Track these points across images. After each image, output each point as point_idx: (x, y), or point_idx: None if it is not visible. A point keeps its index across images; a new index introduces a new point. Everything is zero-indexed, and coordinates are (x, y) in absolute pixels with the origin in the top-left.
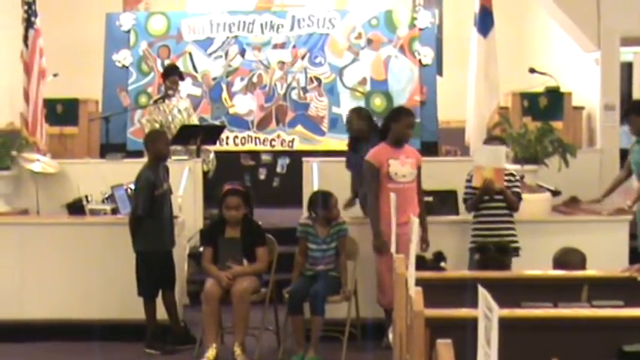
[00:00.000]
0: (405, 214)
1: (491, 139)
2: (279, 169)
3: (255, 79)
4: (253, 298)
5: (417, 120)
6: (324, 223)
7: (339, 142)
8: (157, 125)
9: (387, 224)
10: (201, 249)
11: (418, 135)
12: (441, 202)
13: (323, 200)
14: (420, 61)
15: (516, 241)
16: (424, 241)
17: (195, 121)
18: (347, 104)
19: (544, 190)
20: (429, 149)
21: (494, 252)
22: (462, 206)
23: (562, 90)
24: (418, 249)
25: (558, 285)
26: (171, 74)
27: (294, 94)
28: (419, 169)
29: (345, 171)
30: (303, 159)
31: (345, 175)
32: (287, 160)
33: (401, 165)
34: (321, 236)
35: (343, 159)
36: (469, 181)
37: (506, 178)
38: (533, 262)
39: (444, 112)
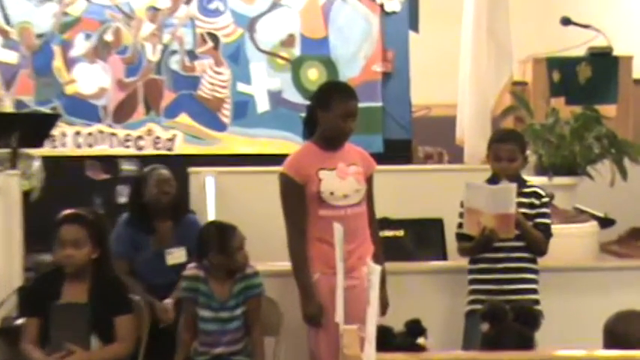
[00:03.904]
0: (355, 258)
1: (501, 138)
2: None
3: (109, 37)
4: None
5: (378, 104)
6: (223, 276)
7: (251, 141)
8: None
9: (325, 276)
10: (19, 321)
11: (379, 129)
12: (417, 239)
13: (220, 239)
14: (381, 6)
15: (538, 301)
16: (382, 301)
17: (8, 108)
18: (262, 78)
19: (587, 218)
20: (398, 151)
21: (512, 319)
22: (452, 244)
23: (616, 53)
24: (379, 315)
25: None
26: None
27: (174, 63)
28: (369, 181)
29: (264, 191)
30: (190, 169)
31: (264, 195)
32: (164, 172)
33: (340, 178)
34: (220, 297)
35: (260, 169)
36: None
37: (525, 199)
38: (568, 334)
39: (421, 92)
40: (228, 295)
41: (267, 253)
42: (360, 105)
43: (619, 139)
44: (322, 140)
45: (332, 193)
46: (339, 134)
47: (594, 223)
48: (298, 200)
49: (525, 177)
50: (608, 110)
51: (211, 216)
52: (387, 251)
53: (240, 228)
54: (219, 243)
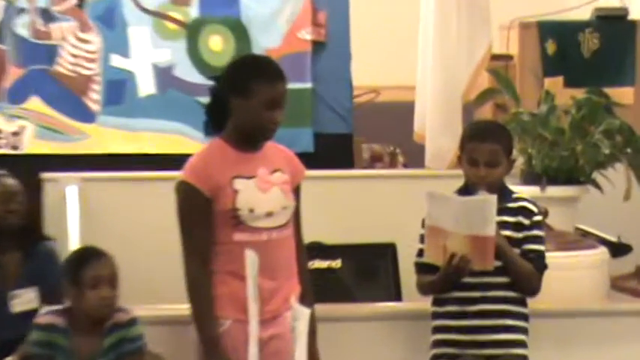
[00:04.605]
0: (279, 299)
1: (477, 134)
2: None
3: None
4: None
5: (306, 85)
6: (89, 326)
7: (130, 135)
8: None
9: (239, 324)
10: None
11: (307, 120)
12: (361, 272)
13: (78, 269)
14: None
15: (526, 357)
16: (312, 356)
17: None
18: (146, 49)
19: (593, 244)
20: (334, 151)
21: None
22: (409, 279)
23: (632, 17)
24: None
25: None
26: None
27: (21, 26)
28: (296, 193)
29: (150, 206)
30: (44, 175)
31: (150, 211)
32: (9, 181)
33: (261, 189)
34: (86, 355)
35: (144, 175)
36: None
37: (510, 218)
38: None
39: (366, 69)
40: (97, 352)
41: (154, 291)
42: None
43: (637, 136)
44: (237, 137)
45: (252, 211)
46: (262, 129)
47: (603, 250)
48: (203, 219)
49: (511, 187)
50: (622, 94)
51: (74, 241)
52: (318, 289)
53: (116, 256)
54: (75, 276)
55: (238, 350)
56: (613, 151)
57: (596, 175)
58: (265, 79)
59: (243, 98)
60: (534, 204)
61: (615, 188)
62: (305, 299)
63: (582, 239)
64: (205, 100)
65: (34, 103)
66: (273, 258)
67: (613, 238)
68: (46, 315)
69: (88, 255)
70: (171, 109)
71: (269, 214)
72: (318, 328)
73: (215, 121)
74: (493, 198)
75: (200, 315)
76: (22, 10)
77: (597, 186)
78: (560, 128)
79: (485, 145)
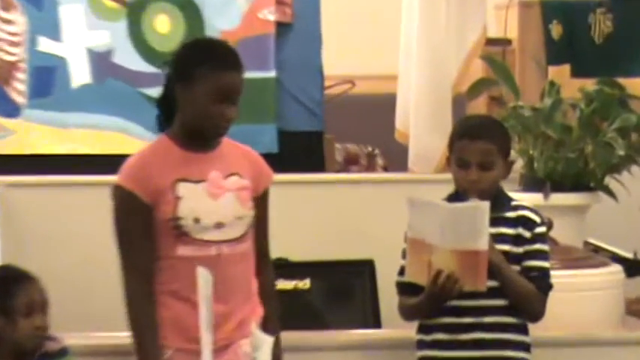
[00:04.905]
0: (232, 325)
1: (469, 132)
2: None
3: None
4: None
5: (269, 74)
6: (16, 355)
7: (63, 133)
8: None
9: (184, 354)
10: None
11: (271, 114)
12: (333, 293)
13: (3, 293)
14: None
15: None
16: None
17: None
18: (80, 31)
19: (605, 261)
20: (303, 151)
21: None
22: (389, 301)
23: None
24: None
25: None
26: None
27: None
28: (261, 202)
29: (85, 216)
30: None
31: (84, 222)
32: None
33: (211, 196)
34: None
35: (78, 180)
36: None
37: (508, 230)
38: None
39: (340, 57)
40: None
41: (88, 317)
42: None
43: None
44: (183, 134)
45: (197, 220)
46: (210, 125)
47: (617, 269)
48: (143, 230)
49: (509, 193)
50: (639, 86)
51: None
52: (284, 313)
53: (43, 277)
54: (3, 303)
55: None
56: (629, 152)
57: (609, 181)
58: (212, 65)
59: (186, 88)
60: (537, 213)
61: (631, 196)
62: (268, 325)
63: (592, 255)
64: (150, 91)
65: None
66: (224, 277)
67: (628, 255)
68: None
69: (16, 278)
70: (109, 102)
71: (219, 225)
72: (284, 358)
73: (167, 115)
74: (485, 205)
75: (140, 343)
76: None
77: (610, 193)
78: (567, 125)
79: (477, 143)
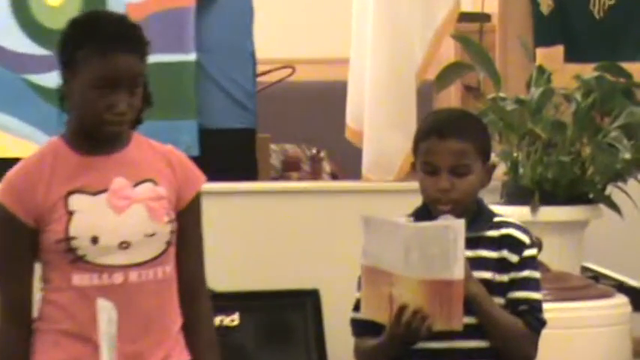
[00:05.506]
0: None
1: (438, 129)
2: None
3: None
4: None
5: (189, 57)
6: None
7: None
8: None
9: None
10: None
11: (191, 108)
12: (269, 331)
13: None
14: None
15: None
16: None
17: None
18: None
19: (608, 290)
20: (230, 154)
21: None
22: (339, 341)
23: None
24: None
25: None
26: None
27: None
28: (188, 214)
29: None
30: None
31: None
32: None
33: (114, 209)
34: None
35: None
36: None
37: (490, 253)
38: None
39: (276, 36)
40: None
41: None
42: (153, 59)
43: None
44: (78, 135)
45: (95, 240)
46: (98, 121)
47: (623, 300)
48: (20, 257)
49: (490, 206)
50: None
51: None
52: None
53: None
54: None
55: None
56: (636, 156)
57: (612, 191)
58: (95, 46)
59: (71, 76)
60: (526, 232)
61: (638, 209)
62: None
63: (592, 284)
64: (37, 78)
65: None
66: (133, 310)
67: (635, 283)
68: None
69: None
70: None
71: (124, 245)
72: None
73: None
74: (460, 223)
75: None
76: None
77: (613, 206)
78: (560, 122)
79: (448, 143)
